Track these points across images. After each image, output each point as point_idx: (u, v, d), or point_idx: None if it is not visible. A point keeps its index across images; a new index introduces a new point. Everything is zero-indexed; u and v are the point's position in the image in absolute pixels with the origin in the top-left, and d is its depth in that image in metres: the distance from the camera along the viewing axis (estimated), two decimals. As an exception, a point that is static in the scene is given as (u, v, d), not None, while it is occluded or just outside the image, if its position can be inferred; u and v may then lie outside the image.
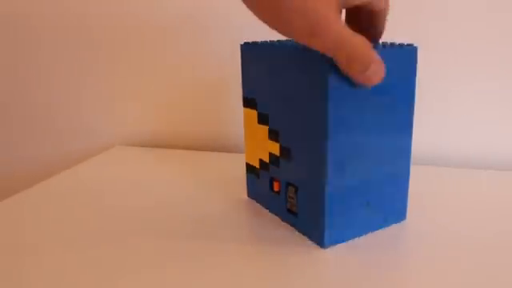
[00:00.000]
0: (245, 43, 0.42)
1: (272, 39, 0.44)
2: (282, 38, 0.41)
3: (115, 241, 0.38)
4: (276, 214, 0.42)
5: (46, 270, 0.34)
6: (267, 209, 0.43)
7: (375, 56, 0.30)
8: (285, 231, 0.39)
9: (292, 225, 0.40)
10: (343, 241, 0.37)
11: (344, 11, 0.35)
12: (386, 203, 0.39)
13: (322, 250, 0.36)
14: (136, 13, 0.64)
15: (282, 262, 0.34)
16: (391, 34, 0.57)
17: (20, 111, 0.73)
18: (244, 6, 0.38)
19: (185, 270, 0.34)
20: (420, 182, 0.48)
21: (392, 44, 0.38)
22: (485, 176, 0.52)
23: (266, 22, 0.29)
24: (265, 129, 0.41)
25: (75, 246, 0.37)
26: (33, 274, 0.33)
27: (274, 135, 0.40)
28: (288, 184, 0.39)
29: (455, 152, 0.60)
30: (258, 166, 0.43)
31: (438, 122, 0.60)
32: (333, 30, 0.27)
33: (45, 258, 0.36)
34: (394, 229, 0.39)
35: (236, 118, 0.65)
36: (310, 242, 0.37)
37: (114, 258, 0.35)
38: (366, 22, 0.34)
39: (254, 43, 0.41)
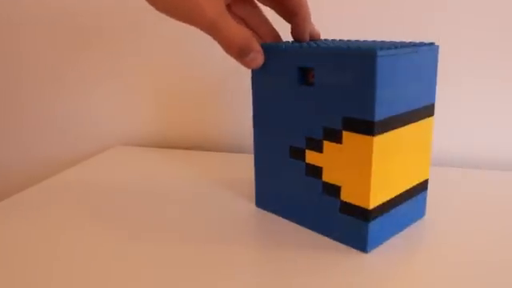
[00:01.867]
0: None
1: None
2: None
3: (115, 241, 0.38)
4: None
5: (45, 270, 0.33)
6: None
7: (254, 45, 0.35)
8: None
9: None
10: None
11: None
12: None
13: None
14: (136, 12, 0.64)
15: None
16: (395, 35, 0.56)
17: (20, 111, 0.72)
18: None
19: (186, 273, 0.33)
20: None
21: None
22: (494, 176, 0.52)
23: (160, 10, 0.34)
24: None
25: (75, 246, 0.37)
26: (33, 273, 0.33)
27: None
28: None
29: (466, 153, 0.58)
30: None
31: (446, 123, 0.57)
32: (207, 18, 0.33)
33: (45, 258, 0.35)
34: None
35: (237, 118, 0.64)
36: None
37: (113, 259, 0.35)
38: (285, 10, 0.39)
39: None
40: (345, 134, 0.34)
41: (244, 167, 0.56)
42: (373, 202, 0.34)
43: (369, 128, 0.33)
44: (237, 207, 0.44)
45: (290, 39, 0.41)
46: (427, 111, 0.38)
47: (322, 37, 0.56)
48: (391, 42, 0.39)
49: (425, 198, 0.41)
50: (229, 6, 0.40)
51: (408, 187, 0.38)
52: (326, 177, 0.37)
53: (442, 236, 0.38)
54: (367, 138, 0.33)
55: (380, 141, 0.33)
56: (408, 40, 0.55)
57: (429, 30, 0.54)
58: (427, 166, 0.40)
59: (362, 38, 0.56)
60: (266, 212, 0.43)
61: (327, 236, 0.38)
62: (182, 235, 0.39)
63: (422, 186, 0.40)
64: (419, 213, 0.41)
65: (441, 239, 0.37)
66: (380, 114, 0.33)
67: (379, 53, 0.31)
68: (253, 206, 0.45)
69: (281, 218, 0.42)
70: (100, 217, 0.43)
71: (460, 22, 0.53)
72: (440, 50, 0.55)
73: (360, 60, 0.32)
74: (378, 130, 0.33)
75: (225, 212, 0.43)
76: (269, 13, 0.41)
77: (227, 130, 0.66)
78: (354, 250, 0.36)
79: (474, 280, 0.32)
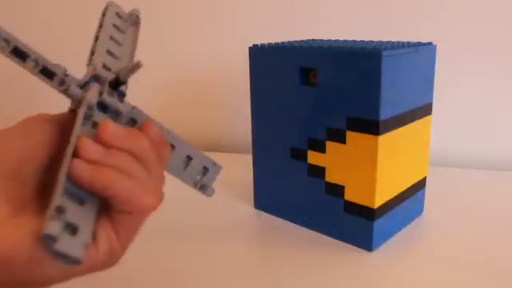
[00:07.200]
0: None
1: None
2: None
3: None
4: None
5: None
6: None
7: None
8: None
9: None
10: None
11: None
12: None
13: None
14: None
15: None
16: (392, 34, 0.55)
17: (20, 111, 0.76)
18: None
19: (184, 273, 0.34)
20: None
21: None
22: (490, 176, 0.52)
23: None
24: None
25: None
26: None
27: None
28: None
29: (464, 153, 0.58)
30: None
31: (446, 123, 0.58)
32: None
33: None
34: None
35: (237, 119, 0.64)
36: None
37: None
38: None
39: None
40: (349, 133, 0.35)
41: (241, 168, 0.55)
42: (378, 201, 0.34)
43: (374, 127, 0.33)
44: (236, 209, 0.44)
45: (289, 38, 0.41)
46: (426, 110, 0.38)
47: (321, 37, 0.57)
48: (389, 41, 0.39)
49: (423, 196, 0.41)
50: None
51: (409, 185, 0.38)
52: (329, 177, 0.37)
53: (442, 233, 0.39)
54: (372, 137, 0.33)
55: (384, 140, 0.33)
56: (403, 40, 0.55)
57: (423, 30, 0.55)
58: (426, 164, 0.40)
59: (357, 38, 0.56)
60: (265, 213, 0.43)
61: (331, 236, 0.38)
62: (180, 235, 0.39)
63: (421, 184, 0.40)
64: (418, 210, 0.41)
65: (441, 236, 0.38)
66: (384, 113, 0.33)
67: (384, 53, 0.31)
68: (251, 207, 0.44)
69: (281, 219, 0.42)
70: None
71: (457, 22, 0.54)
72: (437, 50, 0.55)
73: (365, 60, 0.32)
74: (383, 129, 0.33)
75: (224, 214, 0.43)
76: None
77: (226, 131, 0.66)
78: (359, 249, 0.36)
79: (476, 275, 0.32)
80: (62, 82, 0.22)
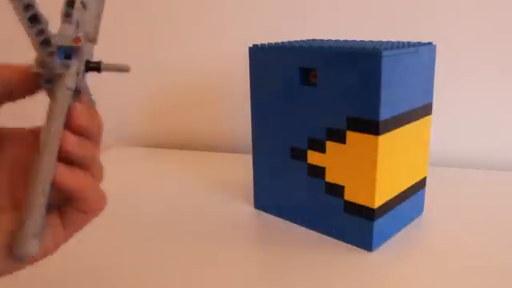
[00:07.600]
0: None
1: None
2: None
3: (115, 242, 0.38)
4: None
5: (44, 272, 0.34)
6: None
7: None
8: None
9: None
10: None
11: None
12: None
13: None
14: (140, 12, 0.66)
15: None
16: (392, 34, 0.55)
17: (19, 111, 0.80)
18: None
19: (184, 273, 0.34)
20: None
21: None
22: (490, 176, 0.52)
23: None
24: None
25: (74, 247, 0.37)
26: (32, 274, 0.33)
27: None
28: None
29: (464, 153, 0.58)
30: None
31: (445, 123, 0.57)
32: None
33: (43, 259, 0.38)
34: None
35: (237, 119, 0.64)
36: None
37: (114, 259, 0.35)
38: None
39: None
40: (349, 133, 0.35)
41: (241, 168, 0.56)
42: (378, 201, 0.35)
43: (374, 127, 0.33)
44: (236, 209, 0.44)
45: (289, 38, 0.41)
46: (426, 110, 0.38)
47: (321, 37, 0.57)
48: (389, 41, 0.39)
49: (423, 196, 0.41)
50: None
51: (409, 185, 0.38)
52: (329, 177, 0.37)
53: (442, 233, 0.39)
54: (372, 137, 0.33)
55: (384, 140, 0.34)
56: (403, 40, 0.55)
57: (423, 30, 0.55)
58: (426, 164, 0.40)
59: (357, 38, 0.56)
60: (265, 213, 0.43)
61: (331, 236, 0.38)
62: (179, 235, 0.39)
63: (421, 184, 0.40)
64: (418, 210, 0.41)
65: (441, 236, 0.38)
66: (384, 113, 0.33)
67: (384, 53, 0.31)
68: (251, 207, 0.44)
69: (281, 219, 0.42)
70: (98, 218, 0.44)
71: (457, 22, 0.54)
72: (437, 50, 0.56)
73: (365, 60, 0.32)
74: (383, 129, 0.33)
75: (224, 214, 0.43)
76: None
77: (226, 130, 0.66)
78: (359, 249, 0.36)
79: (476, 275, 0.32)
80: (46, 42, 0.19)
